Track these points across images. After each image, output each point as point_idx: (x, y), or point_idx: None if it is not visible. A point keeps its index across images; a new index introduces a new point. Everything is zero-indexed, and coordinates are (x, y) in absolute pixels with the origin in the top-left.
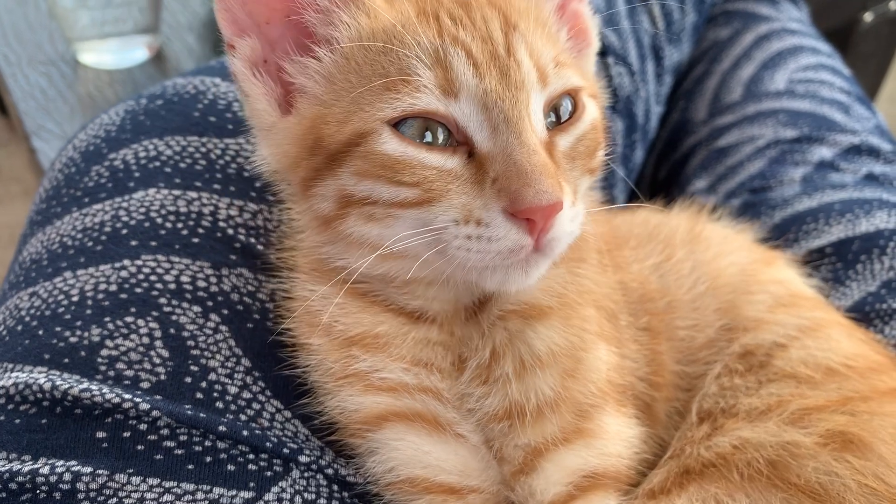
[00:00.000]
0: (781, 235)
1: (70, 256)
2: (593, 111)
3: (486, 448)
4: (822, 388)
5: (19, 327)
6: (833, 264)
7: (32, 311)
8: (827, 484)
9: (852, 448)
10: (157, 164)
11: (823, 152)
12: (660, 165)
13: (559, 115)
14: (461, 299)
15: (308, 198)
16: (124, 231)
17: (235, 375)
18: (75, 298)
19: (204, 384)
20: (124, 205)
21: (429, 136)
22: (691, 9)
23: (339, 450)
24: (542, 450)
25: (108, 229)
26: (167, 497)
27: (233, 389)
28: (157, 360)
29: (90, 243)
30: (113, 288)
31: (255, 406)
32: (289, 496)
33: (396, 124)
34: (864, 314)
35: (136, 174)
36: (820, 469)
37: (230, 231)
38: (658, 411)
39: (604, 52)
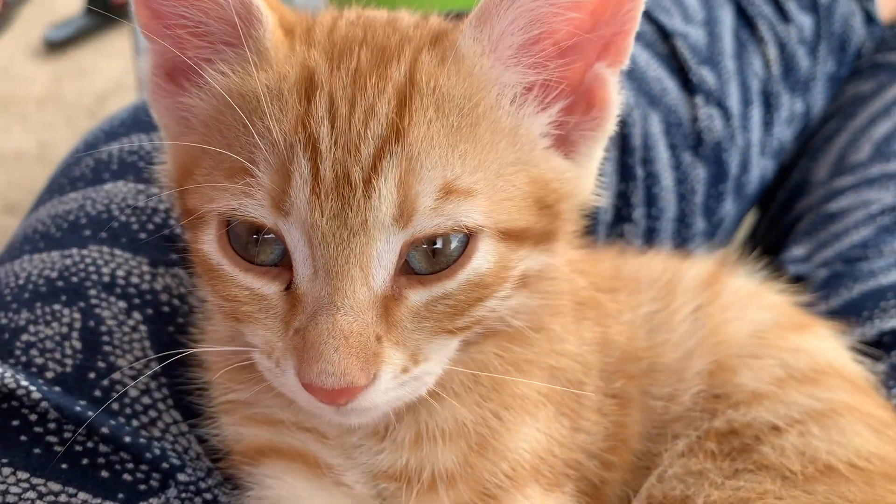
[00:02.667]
0: (853, 312)
1: (34, 241)
2: (486, 261)
3: (373, 501)
4: (805, 488)
5: None
6: None
7: None
8: None
9: None
10: (136, 157)
11: None
12: (771, 229)
13: (444, 254)
14: None
15: None
16: (83, 220)
17: (140, 378)
18: (21, 282)
19: (106, 382)
20: (93, 195)
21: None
22: (827, 56)
23: (228, 476)
24: None
25: (72, 218)
26: (30, 494)
27: (133, 392)
28: (69, 351)
29: (53, 230)
30: (54, 275)
31: (152, 413)
32: None
33: (229, 220)
34: None
35: (114, 167)
36: None
37: (178, 230)
38: (607, 495)
39: (693, 91)
